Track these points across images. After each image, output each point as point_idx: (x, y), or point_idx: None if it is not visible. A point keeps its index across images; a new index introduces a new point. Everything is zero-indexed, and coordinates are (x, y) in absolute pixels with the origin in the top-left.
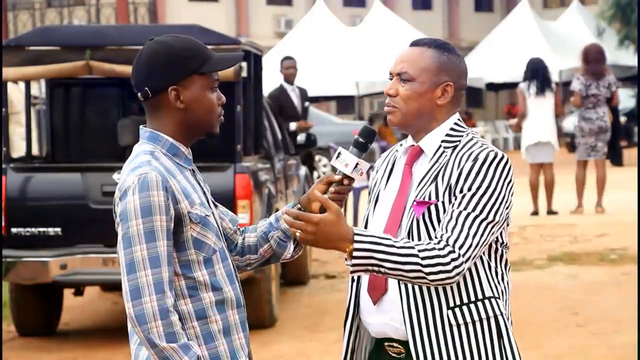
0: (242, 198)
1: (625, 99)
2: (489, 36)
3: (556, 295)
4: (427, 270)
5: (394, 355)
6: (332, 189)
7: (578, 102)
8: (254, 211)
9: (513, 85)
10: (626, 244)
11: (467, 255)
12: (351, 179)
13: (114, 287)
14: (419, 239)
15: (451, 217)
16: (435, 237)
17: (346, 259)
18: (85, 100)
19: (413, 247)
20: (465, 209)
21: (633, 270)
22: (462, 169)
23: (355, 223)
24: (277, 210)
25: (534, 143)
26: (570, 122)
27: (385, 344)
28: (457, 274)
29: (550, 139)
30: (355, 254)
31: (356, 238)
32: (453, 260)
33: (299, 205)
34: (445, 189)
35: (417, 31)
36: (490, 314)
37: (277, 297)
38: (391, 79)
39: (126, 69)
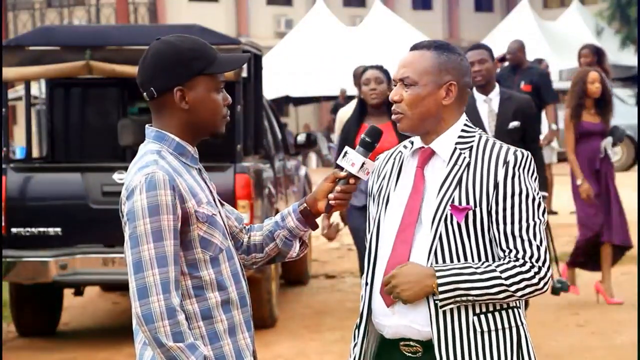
0: (242, 198)
1: (625, 99)
2: (489, 36)
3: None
4: (513, 288)
5: (409, 354)
6: (338, 187)
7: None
8: (254, 211)
9: None
10: None
11: (546, 264)
12: (357, 178)
13: (114, 287)
14: (448, 242)
15: (514, 235)
16: (509, 255)
17: (434, 295)
18: (85, 100)
19: (495, 270)
20: (520, 220)
21: (633, 270)
22: (497, 175)
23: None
24: (277, 210)
25: None
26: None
27: (401, 343)
28: (545, 284)
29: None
30: (440, 288)
31: (438, 274)
32: (536, 274)
33: (305, 205)
34: (482, 195)
35: (417, 31)
36: (513, 323)
37: (277, 297)
38: (395, 85)
39: (126, 69)
